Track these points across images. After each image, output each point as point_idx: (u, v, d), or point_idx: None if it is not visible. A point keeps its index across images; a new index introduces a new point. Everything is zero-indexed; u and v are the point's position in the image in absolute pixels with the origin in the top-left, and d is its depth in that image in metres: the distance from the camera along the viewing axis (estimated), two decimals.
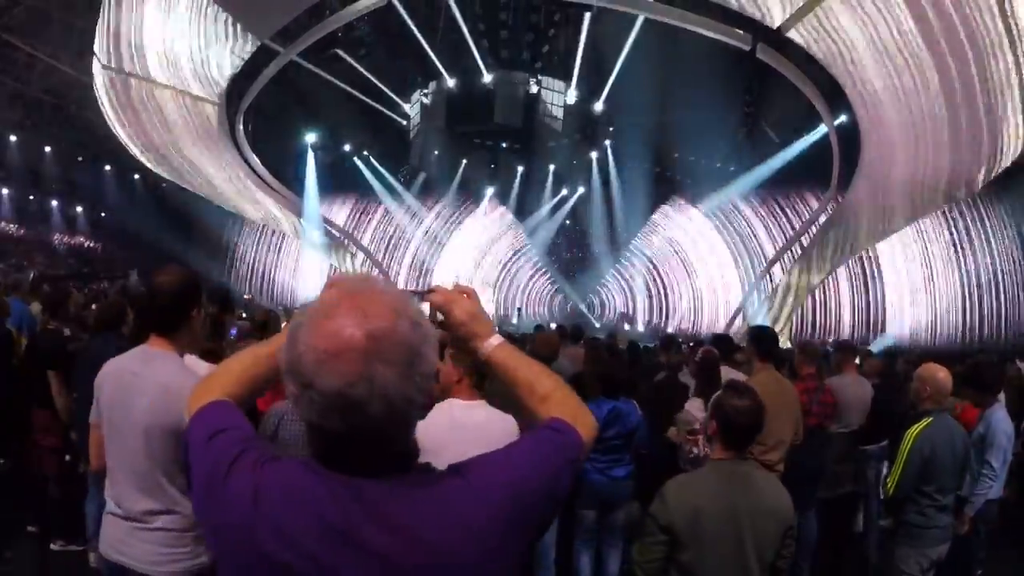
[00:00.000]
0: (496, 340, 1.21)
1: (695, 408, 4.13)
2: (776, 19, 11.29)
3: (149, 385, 2.09)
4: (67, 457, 4.34)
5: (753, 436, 2.37)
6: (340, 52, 19.20)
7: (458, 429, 2.60)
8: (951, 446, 3.24)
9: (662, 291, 24.34)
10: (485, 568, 0.90)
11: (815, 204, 18.72)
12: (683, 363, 5.78)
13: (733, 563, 2.20)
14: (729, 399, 2.33)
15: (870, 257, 18.92)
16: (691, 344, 10.53)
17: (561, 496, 1.02)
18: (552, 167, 23.27)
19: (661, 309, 24.73)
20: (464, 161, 23.29)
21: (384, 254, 23.88)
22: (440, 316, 1.23)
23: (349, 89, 19.88)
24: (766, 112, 19.23)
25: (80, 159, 25.72)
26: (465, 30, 19.12)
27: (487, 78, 20.60)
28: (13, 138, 23.18)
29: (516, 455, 1.02)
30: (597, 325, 23.09)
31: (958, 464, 3.30)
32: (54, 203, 28.34)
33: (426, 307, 1.23)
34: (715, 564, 2.21)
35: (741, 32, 14.13)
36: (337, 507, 0.87)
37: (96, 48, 12.34)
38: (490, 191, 23.61)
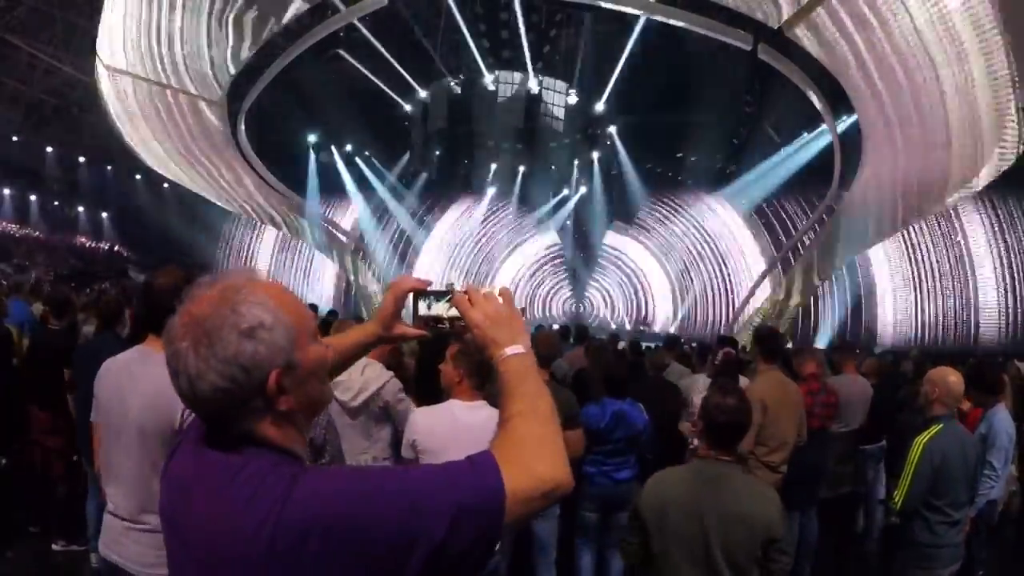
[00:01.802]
0: (511, 351, 1.10)
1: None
2: (777, 19, 11.29)
3: (144, 385, 2.08)
4: (74, 458, 4.34)
5: (736, 435, 2.34)
6: (341, 52, 19.21)
7: (460, 430, 2.61)
8: (962, 455, 3.03)
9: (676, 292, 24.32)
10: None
11: (817, 204, 18.74)
12: (667, 364, 5.79)
13: (699, 562, 2.20)
14: (714, 398, 2.33)
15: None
16: (692, 344, 10.52)
17: (433, 540, 0.83)
18: (553, 167, 23.27)
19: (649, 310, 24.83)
20: (466, 161, 23.31)
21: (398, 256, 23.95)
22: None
23: (350, 90, 19.90)
24: (767, 112, 19.23)
25: (81, 160, 25.75)
26: (465, 30, 19.13)
27: (488, 78, 20.61)
28: (15, 139, 23.21)
29: (383, 477, 0.91)
30: (595, 325, 23.13)
31: (969, 474, 3.08)
32: (55, 204, 28.38)
33: (439, 307, 1.22)
34: (681, 559, 2.22)
35: (742, 32, 14.13)
36: (188, 470, 0.96)
37: (98, 48, 12.35)
38: (491, 191, 23.65)
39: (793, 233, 19.85)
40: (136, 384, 2.11)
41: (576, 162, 23.38)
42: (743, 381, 4.39)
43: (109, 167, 25.97)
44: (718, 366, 4.31)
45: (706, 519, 2.18)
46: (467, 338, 1.17)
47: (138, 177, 25.66)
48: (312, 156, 21.05)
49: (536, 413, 1.02)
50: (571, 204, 23.93)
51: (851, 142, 14.19)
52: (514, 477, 0.91)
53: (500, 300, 1.15)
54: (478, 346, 1.14)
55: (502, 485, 0.89)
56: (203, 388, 0.89)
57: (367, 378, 3.28)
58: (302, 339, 0.94)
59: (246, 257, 25.15)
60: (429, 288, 1.24)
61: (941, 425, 3.05)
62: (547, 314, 25.19)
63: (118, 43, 12.12)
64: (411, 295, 1.26)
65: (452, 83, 20.96)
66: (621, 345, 8.80)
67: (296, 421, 0.96)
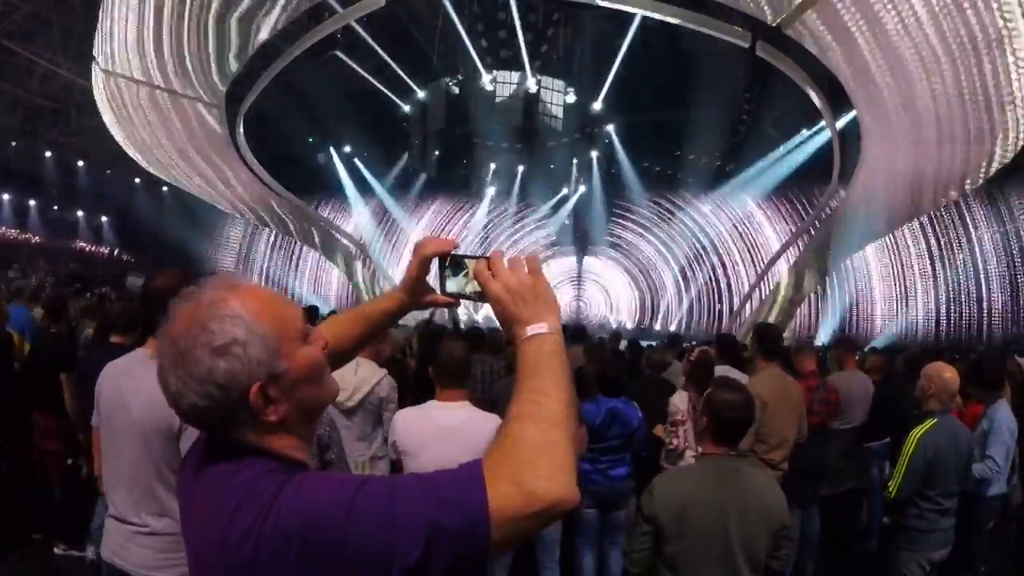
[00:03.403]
0: (534, 329, 0.97)
1: (679, 400, 4.13)
2: (775, 16, 11.27)
3: (145, 388, 2.08)
4: (69, 461, 4.34)
5: (743, 430, 2.37)
6: (339, 54, 19.21)
7: (438, 430, 2.61)
8: (955, 448, 3.16)
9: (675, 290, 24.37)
10: None
11: (816, 202, 18.74)
12: (667, 363, 5.78)
13: (719, 559, 2.20)
14: (719, 394, 2.35)
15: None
16: (693, 343, 10.53)
17: (408, 559, 0.78)
18: (552, 166, 23.29)
19: (651, 308, 24.88)
20: (465, 161, 23.33)
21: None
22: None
23: (349, 91, 19.90)
24: (766, 110, 19.21)
25: (80, 164, 25.74)
26: (463, 30, 19.13)
27: (486, 78, 20.60)
28: (13, 143, 23.19)
29: (365, 490, 0.82)
30: (596, 324, 23.27)
31: (961, 466, 3.23)
32: (55, 208, 28.38)
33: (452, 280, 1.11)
34: (700, 558, 2.21)
35: (740, 30, 14.11)
36: (191, 476, 0.97)
37: (95, 52, 12.35)
38: (490, 191, 23.67)
39: (793, 230, 19.84)
40: (137, 387, 2.12)
41: (575, 161, 23.39)
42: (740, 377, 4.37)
43: (108, 171, 25.96)
44: (692, 362, 4.28)
45: (727, 515, 2.19)
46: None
47: (137, 181, 25.66)
48: (311, 157, 21.06)
49: (540, 415, 0.88)
50: (571, 203, 23.95)
51: (850, 139, 14.18)
52: (502, 493, 0.81)
53: (526, 269, 1.01)
54: (502, 324, 1.02)
55: (485, 503, 0.80)
56: (184, 406, 0.89)
57: (361, 377, 3.29)
58: (286, 346, 0.91)
59: (246, 260, 25.18)
60: (455, 252, 1.10)
61: (935, 420, 3.17)
62: None
63: (116, 47, 12.12)
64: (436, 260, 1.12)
65: (450, 83, 20.94)
66: (622, 345, 8.81)
67: (292, 427, 0.94)
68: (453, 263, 1.09)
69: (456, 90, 21.15)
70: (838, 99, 13.94)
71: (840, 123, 15.07)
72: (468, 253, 1.09)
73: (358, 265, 22.11)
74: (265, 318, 0.90)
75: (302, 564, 0.80)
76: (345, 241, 21.77)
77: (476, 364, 4.48)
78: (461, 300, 1.12)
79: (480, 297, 1.05)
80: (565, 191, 23.83)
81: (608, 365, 4.04)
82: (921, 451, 3.09)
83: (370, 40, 18.42)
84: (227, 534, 0.84)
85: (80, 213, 29.15)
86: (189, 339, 0.88)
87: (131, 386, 2.13)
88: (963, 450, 3.22)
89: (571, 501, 0.84)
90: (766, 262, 20.32)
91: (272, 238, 24.87)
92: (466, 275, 1.07)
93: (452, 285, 1.10)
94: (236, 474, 0.88)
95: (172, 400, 0.90)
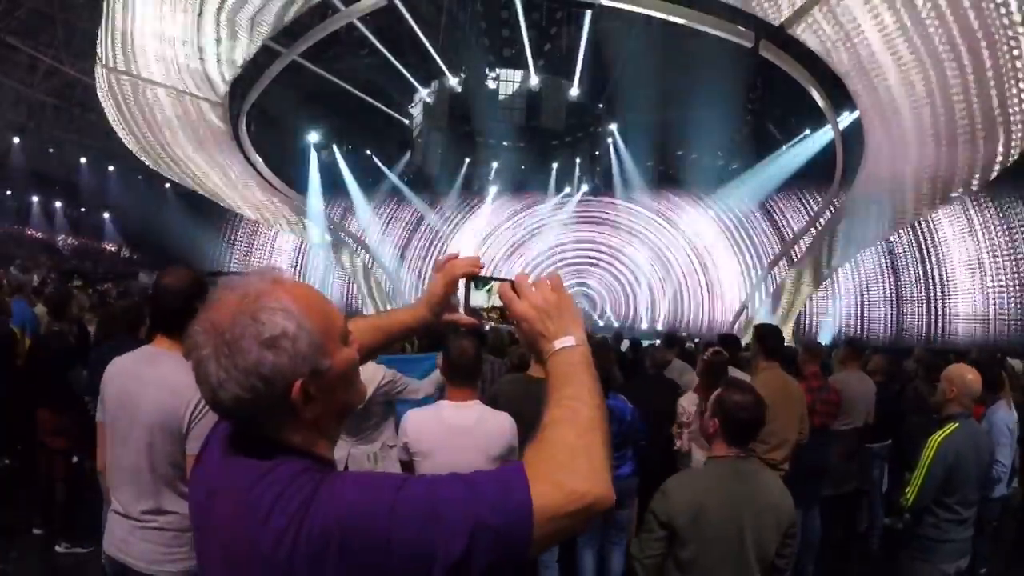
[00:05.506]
0: (561, 344, 1.01)
1: (687, 401, 4.12)
2: (779, 16, 11.25)
3: (153, 385, 2.10)
4: (74, 459, 4.35)
5: (754, 432, 2.37)
6: (342, 52, 19.21)
7: (449, 431, 2.60)
8: (976, 454, 2.99)
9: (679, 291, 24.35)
10: None
11: (818, 201, 18.71)
12: (668, 361, 5.78)
13: (733, 560, 2.20)
14: (730, 395, 2.34)
15: None
16: (695, 341, 10.53)
17: (451, 557, 0.79)
18: (555, 165, 23.27)
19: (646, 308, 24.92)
20: (467, 160, 23.31)
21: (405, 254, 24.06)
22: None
23: (351, 89, 19.89)
24: (769, 109, 19.18)
25: (83, 160, 25.77)
26: (466, 29, 19.12)
27: (489, 76, 20.58)
28: (16, 140, 23.22)
29: (406, 489, 0.83)
30: (600, 323, 23.30)
31: (982, 474, 3.06)
32: (58, 204, 28.42)
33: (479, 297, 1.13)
34: (715, 561, 2.20)
35: (744, 29, 14.09)
36: (214, 473, 0.95)
37: (98, 49, 12.36)
38: (493, 190, 23.67)
39: (795, 231, 19.81)
40: (144, 385, 2.13)
41: (578, 160, 23.37)
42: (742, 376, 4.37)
43: (111, 168, 25.99)
44: (705, 362, 4.27)
45: (742, 516, 2.20)
46: (515, 332, 1.08)
47: (140, 178, 25.67)
48: (313, 155, 21.06)
49: (576, 419, 0.92)
50: (573, 202, 23.93)
51: (854, 139, 14.15)
52: (543, 493, 0.83)
53: (549, 286, 1.05)
54: (527, 341, 1.05)
55: (529, 502, 0.82)
56: (224, 398, 0.87)
57: (364, 379, 3.30)
58: (329, 344, 0.91)
59: (248, 257, 25.19)
60: (481, 272, 1.14)
61: (957, 424, 2.99)
62: None
63: (118, 44, 12.12)
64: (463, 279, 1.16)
65: (453, 81, 20.92)
66: (625, 344, 8.83)
67: (324, 426, 0.95)
68: (479, 283, 1.13)
69: (459, 88, 21.12)
70: (841, 99, 13.93)
71: (843, 123, 15.05)
72: (492, 276, 1.12)
73: (360, 263, 22.11)
74: (313, 314, 0.90)
75: (342, 562, 0.80)
76: (346, 239, 21.79)
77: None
78: (483, 320, 1.15)
79: (502, 317, 1.08)
80: (568, 190, 23.80)
81: (599, 362, 4.02)
82: (941, 457, 2.92)
83: (372, 38, 18.38)
84: (262, 531, 0.83)
85: (82, 209, 29.18)
86: (237, 330, 0.86)
87: (139, 384, 2.14)
88: (984, 457, 3.06)
89: (609, 500, 0.87)
90: (768, 263, 20.30)
91: (272, 235, 24.86)
92: (490, 295, 1.10)
93: (475, 303, 1.13)
94: (270, 471, 0.87)
95: (210, 393, 0.88)
